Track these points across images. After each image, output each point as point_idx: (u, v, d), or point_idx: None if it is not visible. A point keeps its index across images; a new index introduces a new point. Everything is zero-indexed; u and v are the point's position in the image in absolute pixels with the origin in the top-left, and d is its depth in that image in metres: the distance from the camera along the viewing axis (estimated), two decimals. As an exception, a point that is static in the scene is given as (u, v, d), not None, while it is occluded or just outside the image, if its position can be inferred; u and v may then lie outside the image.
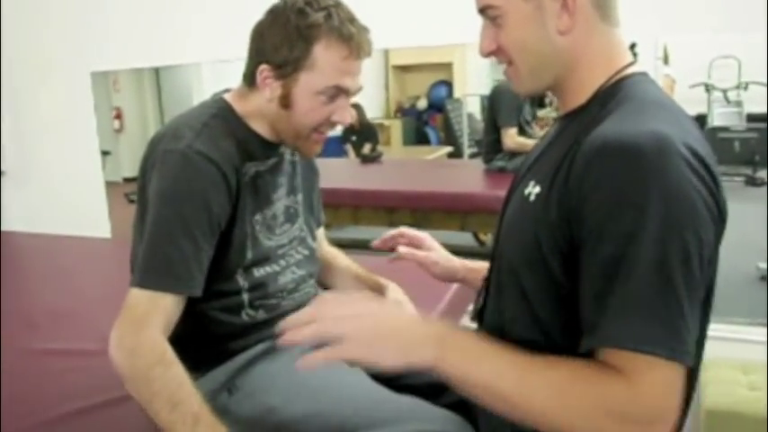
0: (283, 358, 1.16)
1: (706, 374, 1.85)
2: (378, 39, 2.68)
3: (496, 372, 0.74)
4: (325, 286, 1.35)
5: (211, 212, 1.04)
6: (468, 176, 3.96)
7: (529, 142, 3.54)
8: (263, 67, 1.08)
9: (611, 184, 0.72)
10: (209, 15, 2.58)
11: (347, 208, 3.39)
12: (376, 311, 0.81)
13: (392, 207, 3.33)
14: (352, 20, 1.09)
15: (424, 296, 1.67)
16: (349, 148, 6.05)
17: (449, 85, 7.29)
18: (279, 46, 1.06)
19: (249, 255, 1.12)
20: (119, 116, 6.51)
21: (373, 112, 6.79)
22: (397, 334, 0.77)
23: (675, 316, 0.70)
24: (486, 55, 0.88)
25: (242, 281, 1.13)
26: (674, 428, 0.74)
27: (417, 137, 7.44)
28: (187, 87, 5.37)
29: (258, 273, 1.15)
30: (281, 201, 1.19)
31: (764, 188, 5.44)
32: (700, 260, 0.72)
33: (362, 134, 6.03)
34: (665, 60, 6.34)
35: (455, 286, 1.73)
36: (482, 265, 1.26)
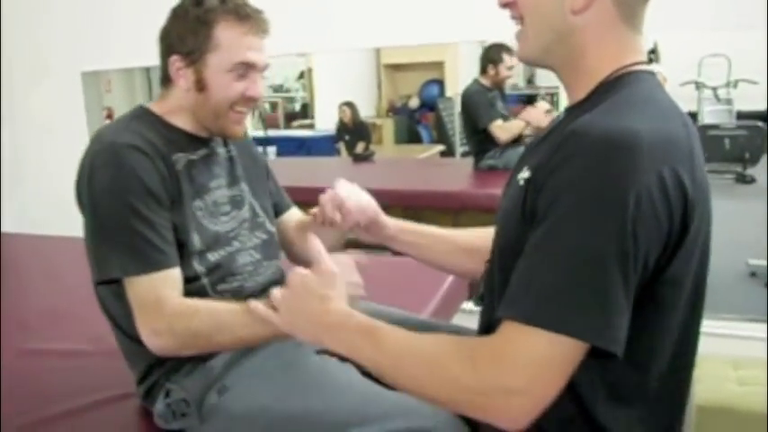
0: (268, 353, 1.16)
1: (696, 370, 1.86)
2: (370, 37, 2.68)
3: (374, 359, 0.84)
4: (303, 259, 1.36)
5: (152, 192, 1.09)
6: (460, 175, 3.96)
7: (517, 124, 3.54)
8: (174, 58, 1.16)
9: (567, 170, 0.74)
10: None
11: (340, 207, 3.36)
12: (304, 291, 0.92)
13: (384, 205, 3.32)
14: (245, 3, 1.18)
15: (417, 294, 1.68)
16: (341, 146, 6.06)
17: (441, 83, 7.31)
18: (184, 36, 1.15)
19: (196, 239, 1.16)
20: (110, 116, 6.49)
21: (365, 111, 6.79)
22: (305, 319, 0.92)
23: (581, 297, 0.71)
24: (503, 5, 0.89)
25: (198, 266, 1.16)
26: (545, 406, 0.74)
27: (409, 135, 7.45)
28: (178, 87, 5.36)
29: (213, 257, 1.18)
30: (220, 189, 1.23)
31: (754, 185, 5.48)
32: (624, 254, 0.71)
33: (355, 133, 6.04)
34: (656, 58, 6.38)
35: (448, 283, 1.74)
36: (414, 227, 1.26)
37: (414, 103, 7.59)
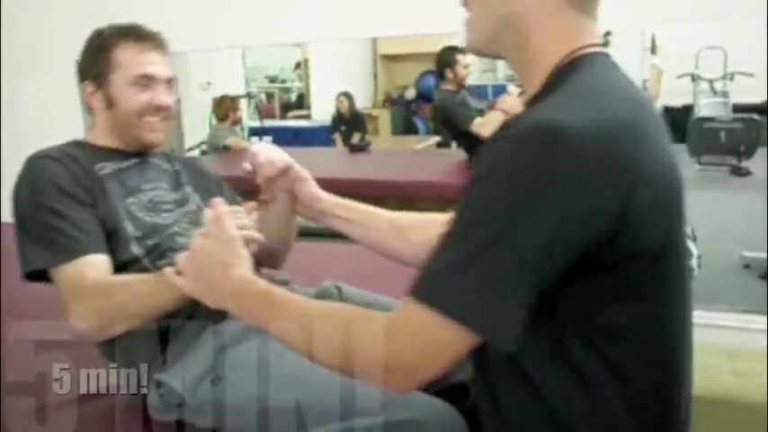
0: (260, 342, 1.16)
1: (691, 361, 1.87)
2: (366, 27, 2.67)
3: (272, 323, 0.86)
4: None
5: (65, 191, 1.22)
6: (456, 166, 3.96)
7: (495, 116, 3.55)
8: (86, 83, 1.34)
9: (486, 159, 0.74)
10: (195, 4, 2.56)
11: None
12: (206, 258, 0.93)
13: (381, 196, 3.32)
14: (142, 26, 1.34)
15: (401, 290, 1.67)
16: (337, 137, 6.05)
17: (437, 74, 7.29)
18: (90, 63, 1.34)
19: (130, 227, 1.26)
20: (105, 105, 6.46)
21: (362, 102, 6.78)
22: (209, 286, 0.93)
23: (473, 283, 0.71)
24: None
25: (136, 249, 1.24)
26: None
27: (406, 126, 7.43)
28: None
29: (152, 241, 1.27)
30: (158, 191, 1.35)
31: (749, 178, 5.50)
32: (527, 246, 0.70)
33: (351, 124, 6.03)
34: (653, 50, 6.39)
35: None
36: (349, 203, 1.23)
37: (410, 93, 7.57)
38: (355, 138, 5.67)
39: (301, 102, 7.53)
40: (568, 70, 0.80)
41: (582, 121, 0.71)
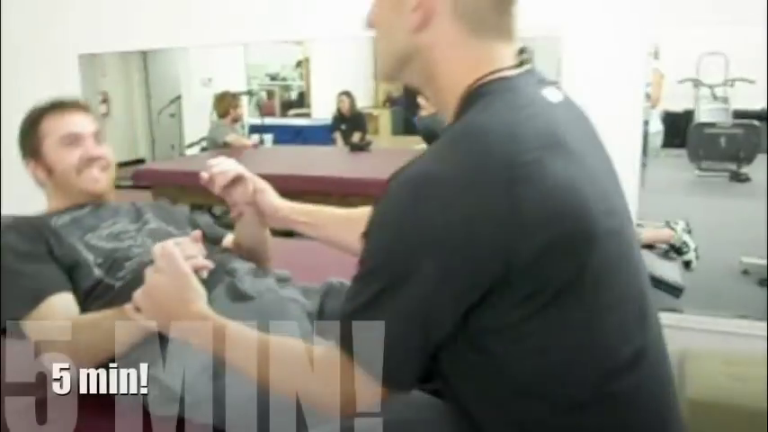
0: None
1: (689, 365, 1.87)
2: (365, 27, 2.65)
3: (227, 357, 0.93)
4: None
5: (19, 253, 1.28)
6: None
7: None
8: (26, 161, 1.47)
9: (374, 210, 0.79)
10: (197, 0, 2.56)
11: (335, 196, 3.35)
12: (162, 295, 0.99)
13: (380, 196, 3.31)
14: (62, 97, 1.47)
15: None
16: (338, 136, 6.05)
17: (438, 75, 7.27)
18: (25, 142, 1.46)
19: (90, 256, 1.33)
20: (105, 100, 6.46)
21: (362, 102, 6.77)
22: (168, 321, 0.98)
23: (370, 331, 0.75)
24: (369, 25, 0.89)
25: (97, 272, 1.31)
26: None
27: (406, 126, 7.44)
28: (174, 72, 5.33)
29: (111, 260, 1.34)
30: (116, 225, 1.44)
31: (748, 184, 5.50)
32: (416, 299, 0.73)
33: (352, 123, 6.03)
34: (656, 55, 6.39)
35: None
36: (305, 207, 1.31)
37: (411, 94, 7.57)
38: (355, 137, 5.66)
39: (302, 100, 7.53)
40: (468, 104, 0.79)
41: (450, 171, 0.72)
